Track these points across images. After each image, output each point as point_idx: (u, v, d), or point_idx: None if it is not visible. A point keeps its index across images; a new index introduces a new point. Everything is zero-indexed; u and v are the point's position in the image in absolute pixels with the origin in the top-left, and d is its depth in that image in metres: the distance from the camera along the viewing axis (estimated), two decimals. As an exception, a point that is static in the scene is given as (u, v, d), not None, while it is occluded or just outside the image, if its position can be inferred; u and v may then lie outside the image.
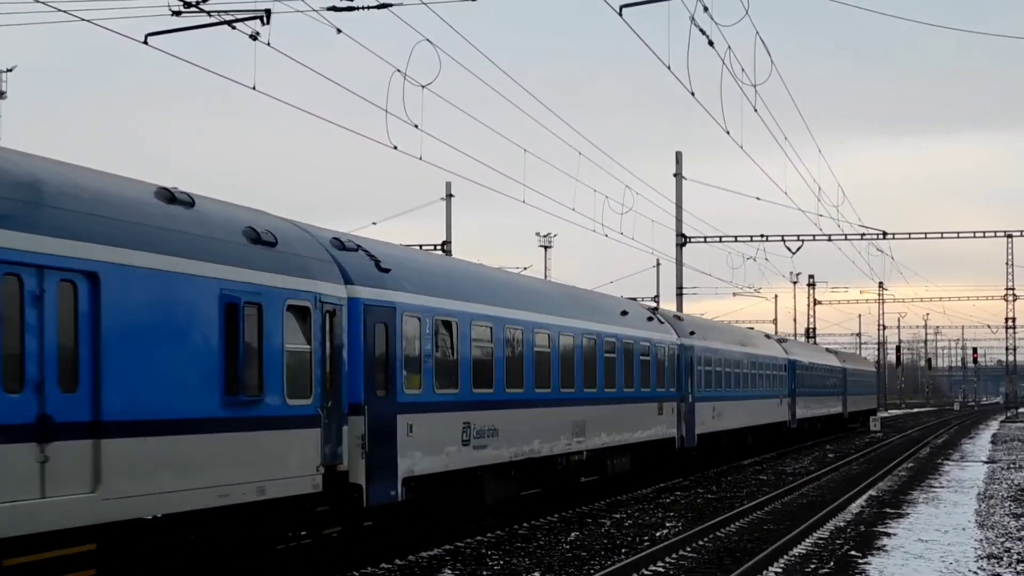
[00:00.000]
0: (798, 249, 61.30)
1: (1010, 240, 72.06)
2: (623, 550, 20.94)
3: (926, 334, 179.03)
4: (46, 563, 11.92)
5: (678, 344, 35.66)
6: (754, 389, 46.21)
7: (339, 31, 22.45)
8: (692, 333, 37.60)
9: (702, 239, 60.78)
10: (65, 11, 20.44)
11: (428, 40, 23.80)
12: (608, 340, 28.79)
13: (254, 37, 20.75)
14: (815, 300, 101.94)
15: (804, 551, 20.82)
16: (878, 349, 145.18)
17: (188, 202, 14.77)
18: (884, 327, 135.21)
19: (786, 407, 52.75)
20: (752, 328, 57.16)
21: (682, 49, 25.45)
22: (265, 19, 20.69)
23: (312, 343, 16.14)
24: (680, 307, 58.03)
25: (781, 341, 56.99)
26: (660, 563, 19.24)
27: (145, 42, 20.77)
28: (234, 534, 14.81)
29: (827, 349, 76.86)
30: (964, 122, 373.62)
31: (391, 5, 22.91)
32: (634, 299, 43.81)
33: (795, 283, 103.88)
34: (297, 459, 15.90)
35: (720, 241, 61.54)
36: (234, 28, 20.75)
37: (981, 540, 22.35)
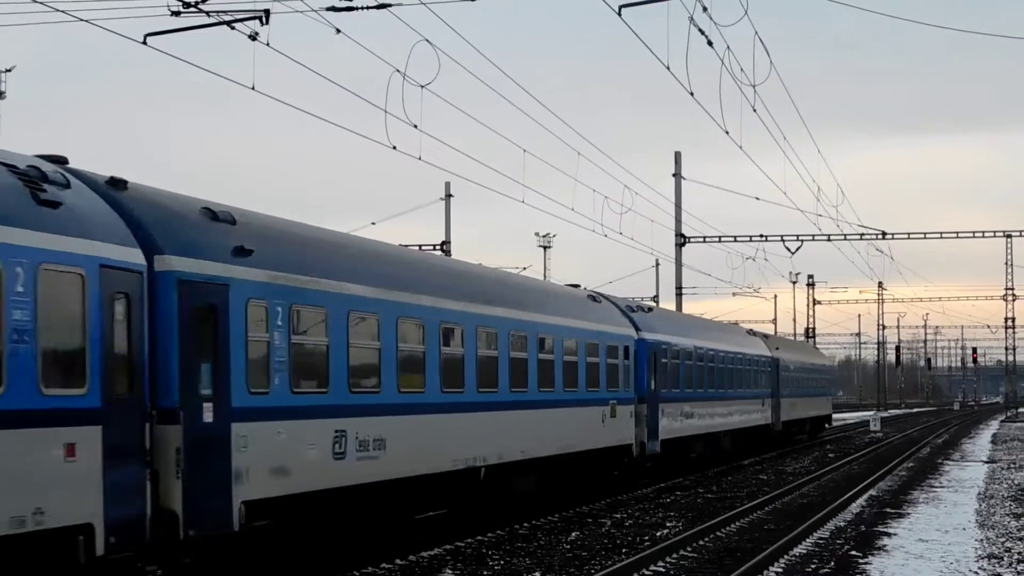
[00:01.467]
0: (797, 249, 61.43)
1: (1009, 240, 72.20)
2: (624, 550, 20.92)
3: (926, 334, 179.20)
4: None
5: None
6: (538, 390, 25.19)
7: (338, 31, 22.47)
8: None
9: (701, 239, 60.83)
10: (65, 11, 20.44)
11: (427, 40, 23.81)
12: None
13: (253, 37, 20.75)
14: (815, 300, 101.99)
15: (804, 551, 20.80)
16: (878, 349, 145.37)
17: None
18: (884, 327, 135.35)
19: (630, 422, 31.39)
20: (581, 288, 33.44)
21: (681, 49, 25.42)
22: (264, 19, 20.69)
23: None
24: (680, 307, 58.06)
25: (636, 310, 34.54)
26: (661, 563, 19.22)
27: (144, 42, 20.76)
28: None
29: (751, 331, 53.32)
30: (964, 122, 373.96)
31: (390, 5, 22.91)
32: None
33: (795, 283, 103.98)
34: None
35: (719, 241, 61.59)
36: (233, 28, 20.75)
37: (981, 540, 22.33)
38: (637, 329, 32.91)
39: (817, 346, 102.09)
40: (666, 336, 35.61)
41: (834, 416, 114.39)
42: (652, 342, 33.53)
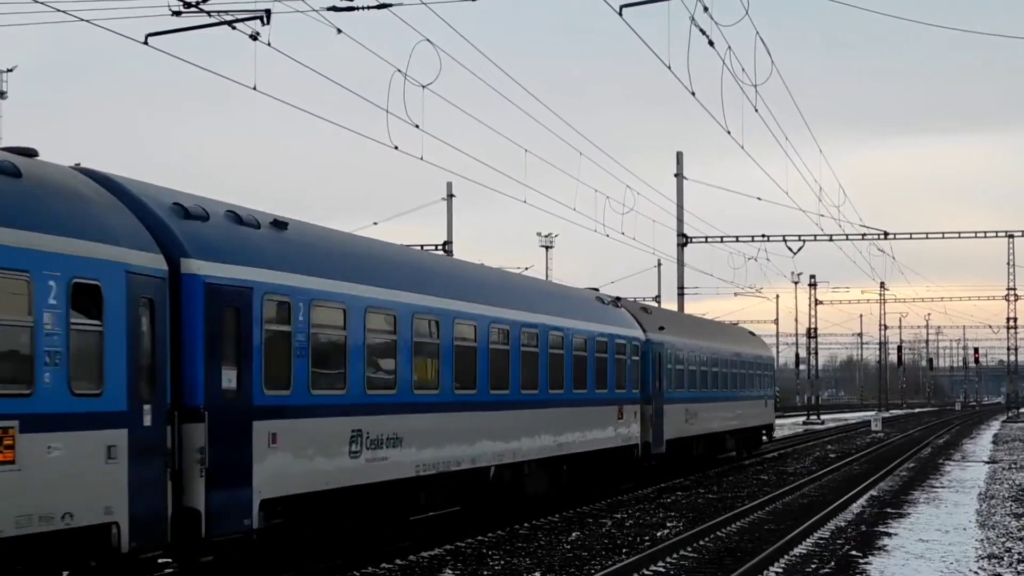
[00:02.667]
0: (799, 249, 61.43)
1: (1011, 240, 72.20)
2: (624, 550, 20.93)
3: (927, 334, 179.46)
4: None
5: None
6: None
7: (339, 31, 22.50)
8: None
9: (703, 239, 60.84)
10: (65, 11, 20.46)
11: (428, 40, 23.85)
12: None
13: (254, 37, 20.77)
14: (816, 300, 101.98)
15: (805, 551, 20.80)
16: (879, 349, 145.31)
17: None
18: (886, 327, 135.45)
19: (117, 474, 13.44)
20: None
21: (682, 49, 25.53)
22: (265, 19, 20.73)
23: None
24: (681, 307, 57.99)
25: (186, 216, 15.66)
26: (661, 563, 19.23)
27: (145, 42, 20.80)
28: None
29: (614, 300, 33.31)
30: (965, 122, 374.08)
31: (391, 5, 22.93)
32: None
33: (796, 283, 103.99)
34: None
35: (721, 241, 61.59)
36: (234, 28, 20.78)
37: (982, 540, 22.34)
38: (189, 253, 15.18)
39: (819, 345, 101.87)
40: (307, 280, 17.45)
41: (834, 417, 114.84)
42: (234, 285, 15.76)
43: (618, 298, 33.80)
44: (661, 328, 34.99)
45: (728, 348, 43.54)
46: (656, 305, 40.20)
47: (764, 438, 49.60)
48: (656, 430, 33.28)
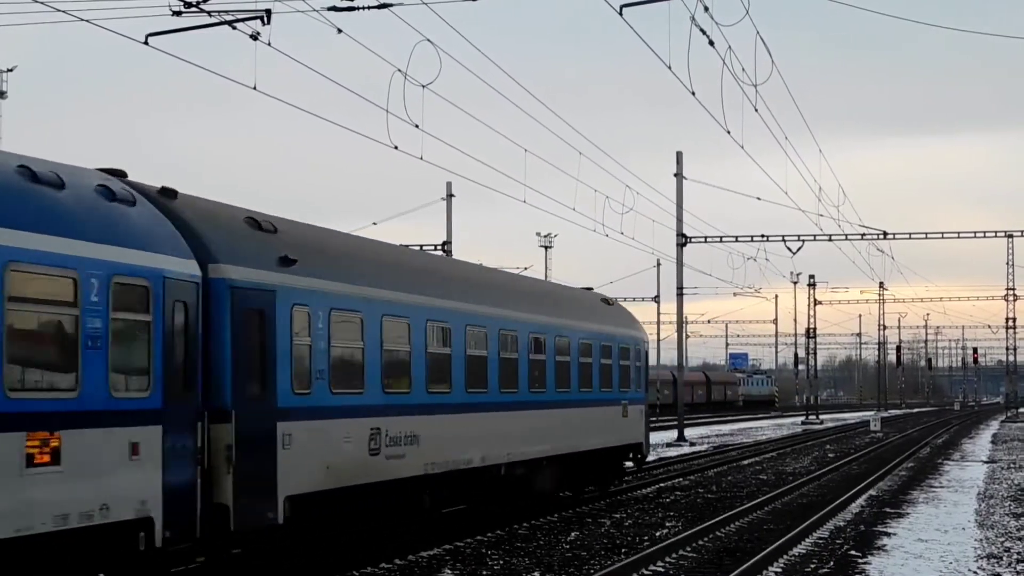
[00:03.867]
0: (798, 249, 61.49)
1: (1010, 240, 72.20)
2: (623, 550, 20.94)
3: (926, 334, 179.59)
4: None
5: None
6: None
7: (339, 31, 22.53)
8: None
9: (703, 239, 60.89)
10: (65, 11, 20.49)
11: (428, 40, 23.89)
12: None
13: (254, 37, 20.80)
14: (816, 300, 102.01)
15: (804, 551, 20.82)
16: (878, 349, 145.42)
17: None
18: (884, 327, 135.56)
19: None
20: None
21: (683, 49, 25.53)
22: (265, 19, 20.76)
23: None
24: (680, 308, 58.06)
25: None
26: (660, 563, 19.24)
27: (145, 42, 20.83)
28: None
29: (39, 173, 12.56)
30: (965, 122, 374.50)
31: (391, 5, 22.95)
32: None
33: (795, 283, 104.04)
34: None
35: (721, 241, 61.64)
36: (234, 28, 20.81)
37: (981, 540, 22.36)
38: None
39: (818, 345, 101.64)
40: None
41: (833, 417, 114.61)
42: None
43: (162, 191, 15.69)
44: (287, 261, 16.68)
45: (528, 317, 24.59)
46: (307, 224, 19.55)
47: (630, 465, 31.65)
48: (248, 478, 15.32)
